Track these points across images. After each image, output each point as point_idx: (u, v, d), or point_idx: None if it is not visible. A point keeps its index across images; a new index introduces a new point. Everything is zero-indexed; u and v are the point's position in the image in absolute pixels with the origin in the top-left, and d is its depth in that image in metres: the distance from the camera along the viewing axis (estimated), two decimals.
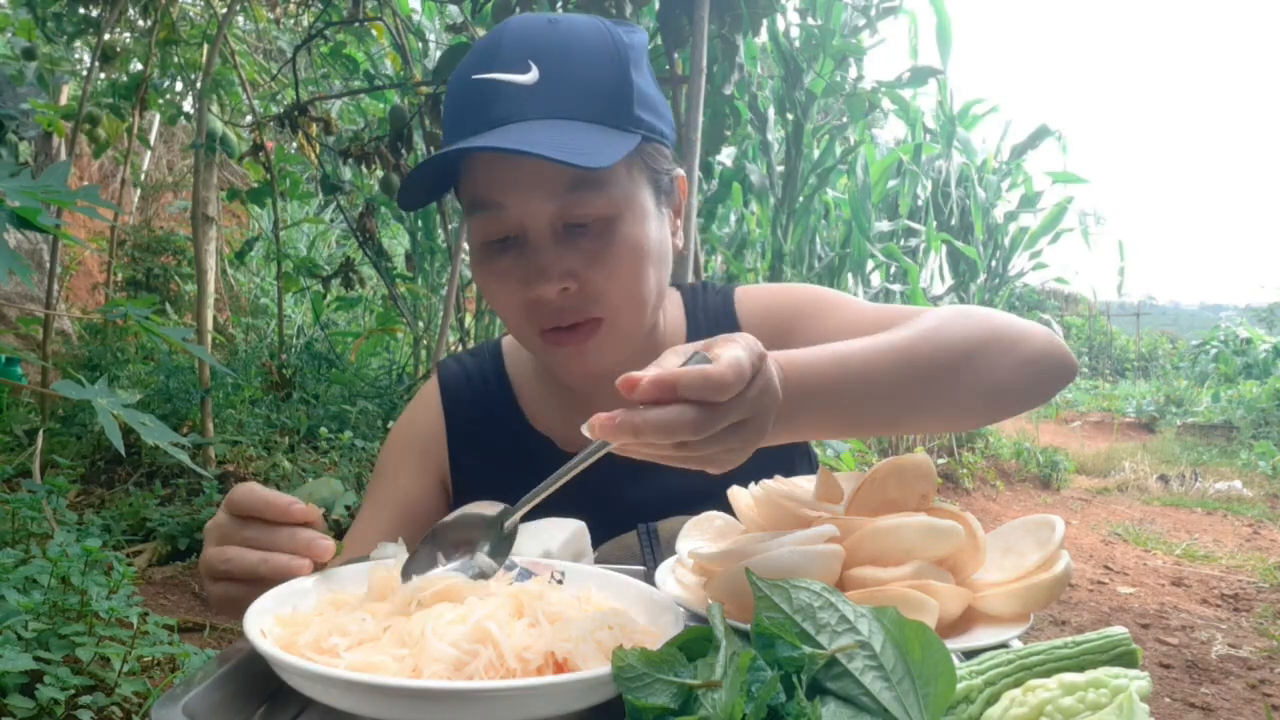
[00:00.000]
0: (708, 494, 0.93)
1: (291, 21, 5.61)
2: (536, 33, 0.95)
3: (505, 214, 0.95)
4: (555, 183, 0.92)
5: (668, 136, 1.02)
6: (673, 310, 1.17)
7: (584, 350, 0.99)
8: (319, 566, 0.78)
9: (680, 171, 1.06)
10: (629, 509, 1.01)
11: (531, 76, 0.92)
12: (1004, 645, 0.67)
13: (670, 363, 0.65)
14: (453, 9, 4.07)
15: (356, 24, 4.07)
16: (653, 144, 0.99)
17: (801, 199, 5.75)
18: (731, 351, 0.64)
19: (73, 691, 1.93)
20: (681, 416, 0.61)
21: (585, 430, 0.62)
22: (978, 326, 0.91)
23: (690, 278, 2.92)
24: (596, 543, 0.97)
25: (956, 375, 0.87)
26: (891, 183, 7.16)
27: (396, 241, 7.18)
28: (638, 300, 0.99)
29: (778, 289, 1.17)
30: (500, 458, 1.15)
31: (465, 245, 5.24)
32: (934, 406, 0.89)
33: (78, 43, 4.77)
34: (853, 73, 5.56)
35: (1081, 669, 0.57)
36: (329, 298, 5.71)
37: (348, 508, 4.41)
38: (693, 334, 1.15)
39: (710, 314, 1.16)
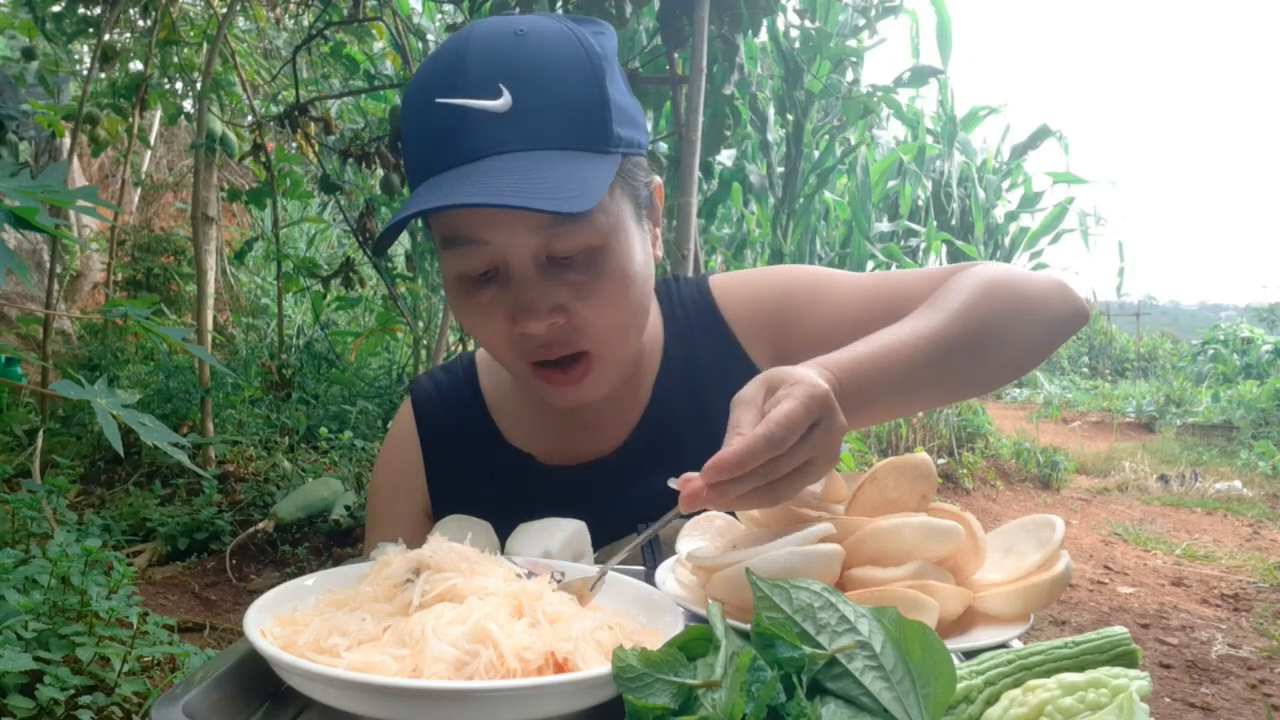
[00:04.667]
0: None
1: (291, 21, 5.61)
2: (504, 49, 0.88)
3: (487, 249, 0.90)
4: (538, 217, 0.88)
5: (644, 145, 0.99)
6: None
7: (579, 388, 0.97)
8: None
9: (658, 180, 1.03)
10: (628, 510, 1.01)
11: (503, 103, 0.86)
12: (1004, 645, 0.67)
13: (740, 419, 0.74)
14: (452, 9, 4.07)
15: (356, 24, 4.07)
16: (631, 159, 0.95)
17: (801, 199, 5.75)
18: (785, 408, 0.71)
19: (73, 691, 1.93)
20: (752, 483, 0.72)
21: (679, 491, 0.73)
22: (1003, 300, 0.94)
23: None
24: (596, 544, 0.97)
25: (990, 352, 0.93)
26: (891, 183, 7.16)
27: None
28: (625, 329, 0.97)
29: (757, 275, 1.15)
30: (476, 474, 1.13)
31: None
32: (971, 382, 0.96)
33: (78, 43, 4.77)
34: (849, 76, 5.56)
35: (1081, 669, 0.57)
36: (329, 298, 5.71)
37: (348, 508, 4.38)
38: (670, 328, 1.13)
39: (687, 305, 1.14)
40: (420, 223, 5.92)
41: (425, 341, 5.68)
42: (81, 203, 1.34)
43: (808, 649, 0.56)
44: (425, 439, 1.16)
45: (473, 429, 1.14)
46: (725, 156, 5.68)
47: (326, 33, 4.46)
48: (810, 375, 0.75)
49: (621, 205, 0.94)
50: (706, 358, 1.11)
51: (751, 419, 0.73)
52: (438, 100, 0.88)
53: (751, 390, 0.76)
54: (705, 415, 1.07)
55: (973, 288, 0.93)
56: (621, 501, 1.04)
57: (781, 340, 1.09)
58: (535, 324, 0.90)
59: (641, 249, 0.97)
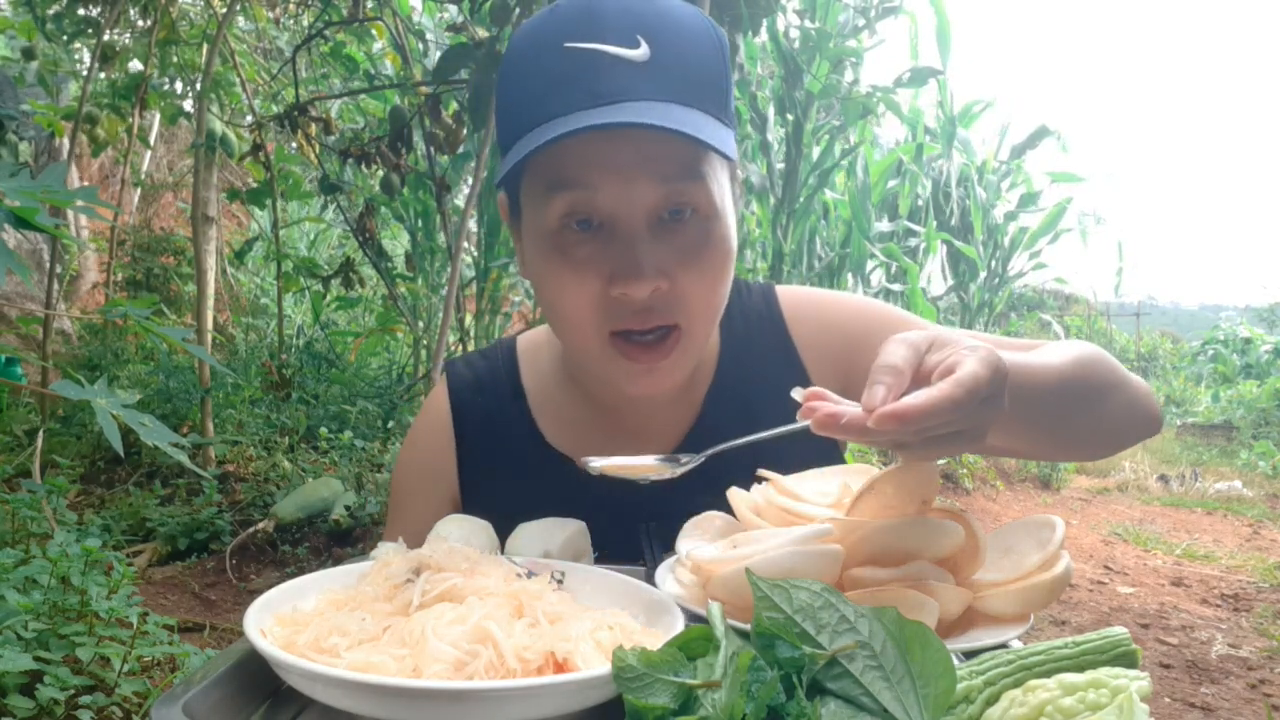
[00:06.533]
0: (710, 502, 0.91)
1: (291, 21, 5.61)
2: (640, 7, 0.88)
3: (598, 197, 0.87)
4: (660, 169, 0.86)
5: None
6: None
7: (657, 368, 0.92)
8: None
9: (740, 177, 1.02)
10: (664, 527, 0.99)
11: (642, 53, 0.86)
12: (1004, 645, 0.67)
13: (897, 354, 0.68)
14: (452, 9, 4.07)
15: (356, 24, 4.07)
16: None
17: (801, 199, 5.75)
18: (972, 370, 0.66)
19: (73, 691, 1.93)
20: (902, 436, 0.67)
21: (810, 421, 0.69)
22: (1112, 370, 0.96)
23: None
24: (627, 558, 0.96)
25: (1097, 410, 0.94)
26: (891, 183, 7.16)
27: (396, 241, 7.18)
28: (714, 312, 0.95)
29: (828, 298, 1.11)
30: (509, 473, 1.09)
31: (465, 245, 5.24)
32: (1073, 433, 0.95)
33: (78, 43, 4.77)
34: (849, 76, 5.56)
35: (1081, 669, 0.57)
36: (329, 298, 5.72)
37: (348, 508, 4.37)
38: (728, 337, 1.08)
39: (749, 316, 1.09)
40: (421, 222, 5.93)
41: (425, 341, 5.68)
42: (81, 203, 1.34)
43: (808, 649, 0.56)
44: (459, 428, 1.11)
45: (510, 425, 1.10)
46: None
47: (326, 33, 4.47)
48: (988, 346, 0.69)
49: (727, 184, 0.94)
50: (765, 374, 1.06)
51: (908, 359, 0.68)
52: (569, 45, 0.86)
53: (913, 334, 0.71)
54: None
55: (1088, 351, 0.95)
56: (658, 518, 1.00)
57: (853, 371, 1.04)
58: (639, 286, 0.87)
59: (735, 236, 0.96)
